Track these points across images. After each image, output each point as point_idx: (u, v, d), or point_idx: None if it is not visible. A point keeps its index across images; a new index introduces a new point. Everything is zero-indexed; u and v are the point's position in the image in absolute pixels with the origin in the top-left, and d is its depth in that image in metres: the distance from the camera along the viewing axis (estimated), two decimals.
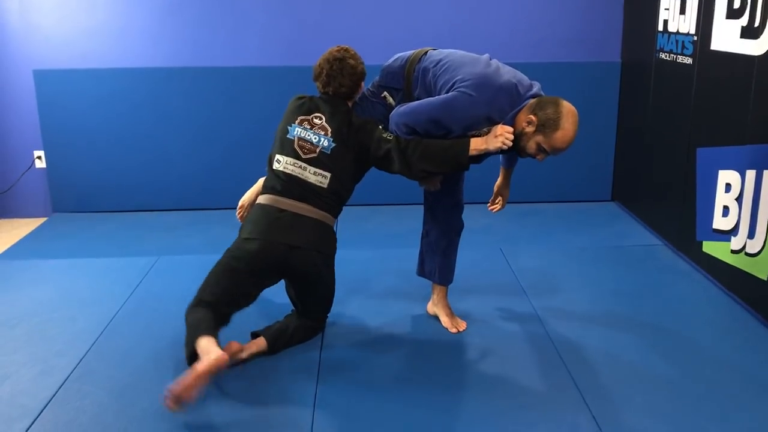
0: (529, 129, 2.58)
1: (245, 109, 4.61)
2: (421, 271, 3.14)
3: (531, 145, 2.61)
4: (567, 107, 2.57)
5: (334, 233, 2.84)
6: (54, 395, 2.59)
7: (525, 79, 2.70)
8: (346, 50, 2.84)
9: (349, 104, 2.88)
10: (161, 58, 4.58)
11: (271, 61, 4.58)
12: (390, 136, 2.73)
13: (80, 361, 2.82)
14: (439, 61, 2.77)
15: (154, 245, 4.11)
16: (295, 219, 2.70)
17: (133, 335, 3.02)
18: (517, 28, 4.62)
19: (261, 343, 2.80)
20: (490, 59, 2.75)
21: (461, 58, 2.74)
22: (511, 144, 2.60)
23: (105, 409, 2.50)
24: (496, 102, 2.61)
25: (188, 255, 3.92)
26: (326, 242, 2.80)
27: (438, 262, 3.05)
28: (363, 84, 2.91)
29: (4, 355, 2.88)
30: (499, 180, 3.11)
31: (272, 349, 2.82)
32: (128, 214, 4.69)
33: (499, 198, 3.12)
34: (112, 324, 3.13)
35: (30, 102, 4.61)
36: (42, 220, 4.70)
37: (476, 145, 2.64)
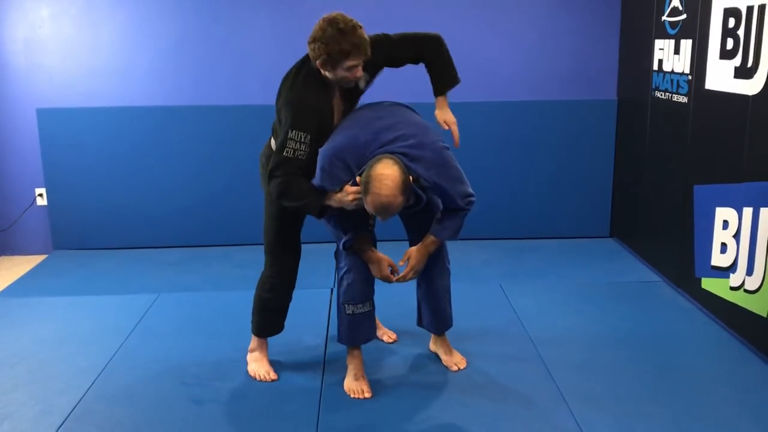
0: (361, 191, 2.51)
1: (246, 147, 4.64)
2: (420, 322, 3.14)
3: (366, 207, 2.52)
4: (377, 170, 2.43)
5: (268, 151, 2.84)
6: None
7: (393, 131, 2.56)
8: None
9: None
10: (163, 97, 4.64)
11: (273, 100, 4.62)
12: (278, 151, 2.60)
13: (81, 399, 2.81)
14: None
15: (155, 282, 4.12)
16: None
17: (134, 373, 3.02)
18: (514, 68, 4.69)
19: None
20: (391, 106, 2.72)
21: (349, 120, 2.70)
22: (355, 201, 2.55)
23: None
24: (329, 164, 2.56)
25: (189, 292, 3.93)
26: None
27: (433, 311, 3.04)
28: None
29: (4, 394, 2.87)
30: (418, 245, 2.80)
31: None
32: (129, 251, 4.70)
33: (407, 260, 2.77)
34: (113, 362, 3.12)
35: (33, 140, 4.66)
36: (43, 257, 4.71)
37: (330, 200, 2.61)
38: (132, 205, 4.71)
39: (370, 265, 2.78)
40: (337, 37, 2.47)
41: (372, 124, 2.59)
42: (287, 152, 2.57)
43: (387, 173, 2.42)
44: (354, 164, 2.56)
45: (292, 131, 2.56)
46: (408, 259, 2.77)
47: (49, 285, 4.14)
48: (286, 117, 2.60)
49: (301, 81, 2.63)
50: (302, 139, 2.56)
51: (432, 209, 2.82)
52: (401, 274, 2.78)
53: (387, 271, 2.77)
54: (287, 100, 2.62)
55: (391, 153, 2.52)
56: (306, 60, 2.68)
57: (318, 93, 2.64)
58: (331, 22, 2.50)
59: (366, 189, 2.44)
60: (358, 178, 2.52)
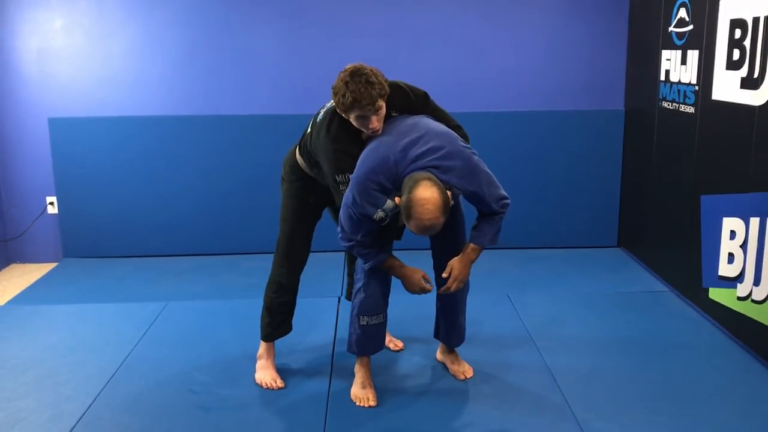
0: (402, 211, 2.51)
1: (254, 156, 4.68)
2: (437, 335, 3.15)
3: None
4: (418, 194, 2.41)
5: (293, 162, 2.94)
6: None
7: (421, 145, 2.54)
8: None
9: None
10: (173, 107, 4.68)
11: (281, 110, 4.67)
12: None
13: (89, 406, 2.83)
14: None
15: (163, 290, 4.15)
16: None
17: (142, 381, 3.04)
18: (523, 78, 4.71)
19: None
20: (412, 118, 2.68)
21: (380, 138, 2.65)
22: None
23: None
24: (364, 189, 2.56)
25: (196, 300, 3.95)
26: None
27: (451, 326, 3.05)
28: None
29: (14, 401, 2.90)
30: (460, 255, 2.77)
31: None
32: (138, 259, 4.74)
33: (450, 272, 2.74)
34: (121, 369, 3.15)
35: (44, 149, 4.70)
36: (53, 265, 4.75)
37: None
38: (141, 214, 4.74)
39: (405, 280, 2.76)
40: (342, 87, 2.52)
41: (398, 142, 2.57)
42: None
43: (427, 197, 2.41)
44: (388, 183, 2.56)
45: (338, 175, 2.65)
46: (451, 270, 2.75)
47: (59, 293, 4.17)
48: (326, 165, 2.68)
49: (335, 127, 2.66)
50: (347, 179, 2.64)
51: (455, 214, 2.85)
52: (446, 285, 2.75)
53: (423, 282, 2.76)
54: (323, 149, 2.68)
55: (423, 168, 2.52)
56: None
57: (349, 135, 2.66)
58: (345, 72, 2.55)
59: (408, 214, 2.43)
60: (397, 199, 2.51)
